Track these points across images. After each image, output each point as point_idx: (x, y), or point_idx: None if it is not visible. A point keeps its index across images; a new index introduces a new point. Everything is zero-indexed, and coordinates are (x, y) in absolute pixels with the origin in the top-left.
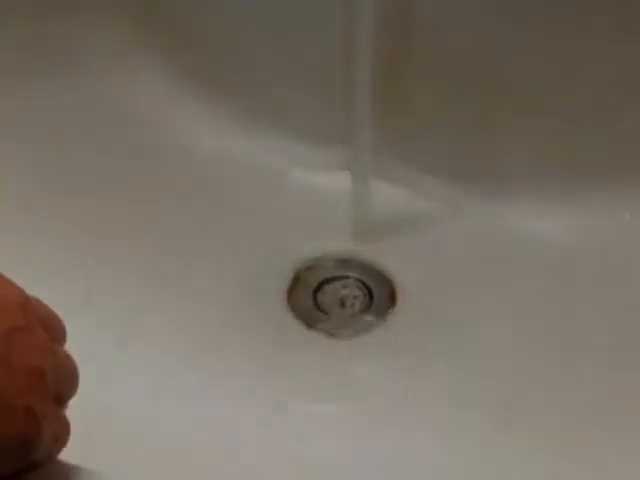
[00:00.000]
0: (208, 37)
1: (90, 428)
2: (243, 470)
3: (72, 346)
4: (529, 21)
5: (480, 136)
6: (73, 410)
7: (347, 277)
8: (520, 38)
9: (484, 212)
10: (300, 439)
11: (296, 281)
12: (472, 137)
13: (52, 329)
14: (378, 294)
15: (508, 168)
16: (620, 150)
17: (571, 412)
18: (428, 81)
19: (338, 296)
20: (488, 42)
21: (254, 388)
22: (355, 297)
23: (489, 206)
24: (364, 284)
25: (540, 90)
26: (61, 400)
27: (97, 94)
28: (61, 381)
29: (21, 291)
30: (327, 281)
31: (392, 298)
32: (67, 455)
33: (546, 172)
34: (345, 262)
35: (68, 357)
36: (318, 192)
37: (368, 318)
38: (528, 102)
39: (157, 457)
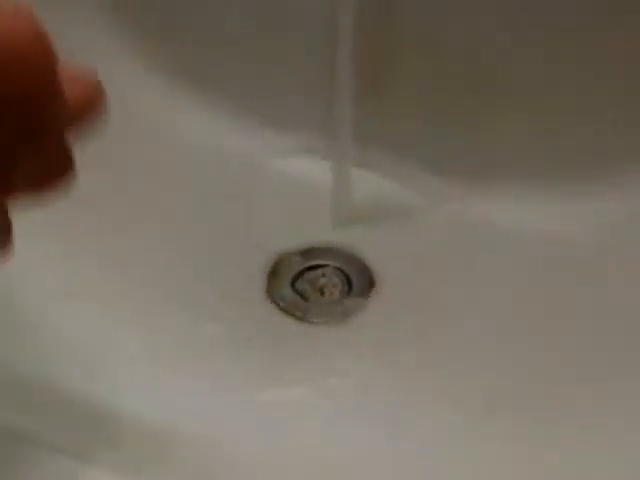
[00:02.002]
0: (189, 26)
1: None
2: (218, 455)
3: None
4: (514, 13)
5: (463, 125)
6: None
7: (326, 265)
8: (505, 30)
9: (465, 201)
10: (276, 425)
11: (275, 269)
12: (454, 126)
13: None
14: (357, 282)
15: (490, 158)
16: (603, 142)
17: (552, 397)
18: (411, 70)
19: (317, 284)
20: (472, 33)
21: (230, 375)
22: (334, 285)
23: (470, 195)
24: (343, 272)
25: (524, 81)
26: None
27: None
28: None
29: None
30: (306, 269)
31: (371, 286)
32: None
33: (529, 162)
34: (324, 250)
35: None
36: (298, 180)
37: (347, 306)
38: (512, 93)
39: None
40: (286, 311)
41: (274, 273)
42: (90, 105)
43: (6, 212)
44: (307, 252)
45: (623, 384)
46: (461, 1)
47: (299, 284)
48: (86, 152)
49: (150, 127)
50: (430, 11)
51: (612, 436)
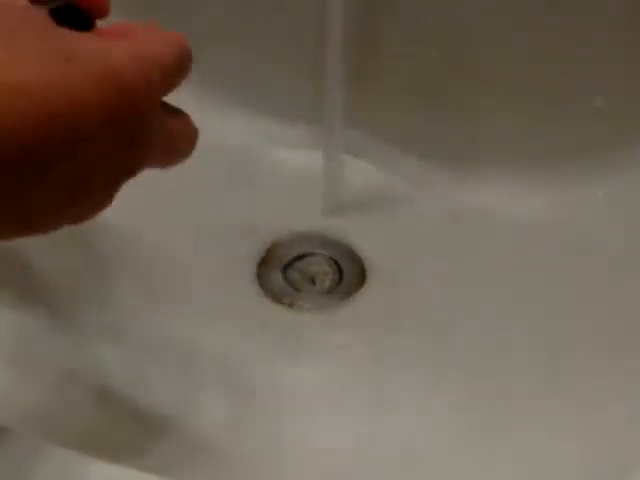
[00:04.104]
0: (179, 15)
1: None
2: (198, 439)
3: None
4: (502, 4)
5: (451, 114)
6: None
7: (317, 254)
8: (490, 16)
9: (455, 190)
10: (261, 411)
11: (266, 258)
12: (443, 115)
13: None
14: (348, 271)
15: (479, 146)
16: (591, 129)
17: (540, 382)
18: (400, 59)
19: (308, 273)
20: (459, 21)
21: (222, 362)
22: (325, 274)
23: (460, 183)
24: (334, 261)
25: (511, 69)
26: None
27: None
28: None
29: None
30: (297, 258)
31: (362, 275)
32: None
33: (516, 151)
34: (315, 239)
35: None
36: (289, 169)
37: (338, 295)
38: (499, 81)
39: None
40: (277, 299)
41: (265, 261)
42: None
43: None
44: (298, 240)
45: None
46: None
47: (290, 272)
48: None
49: None
50: (418, 4)
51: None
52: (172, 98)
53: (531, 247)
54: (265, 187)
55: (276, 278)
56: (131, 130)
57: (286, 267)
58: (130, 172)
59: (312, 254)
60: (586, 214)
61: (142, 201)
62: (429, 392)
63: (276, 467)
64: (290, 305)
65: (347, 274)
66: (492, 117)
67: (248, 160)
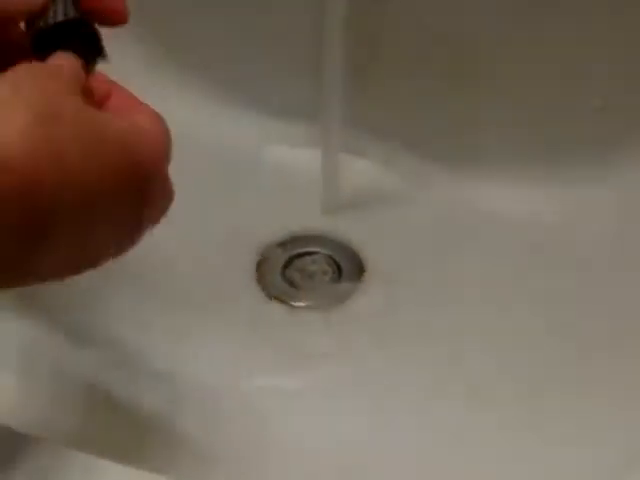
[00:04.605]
0: (177, 12)
1: None
2: (199, 440)
3: None
4: (502, 3)
5: (450, 112)
6: None
7: (316, 252)
8: (491, 16)
9: (453, 187)
10: (264, 410)
11: (265, 257)
12: (442, 113)
13: None
14: (347, 269)
15: (479, 145)
16: (589, 128)
17: (538, 381)
18: (400, 57)
19: (307, 271)
20: (460, 20)
21: (222, 360)
22: (324, 272)
23: (458, 181)
24: (333, 259)
25: (512, 69)
26: None
27: None
28: None
29: None
30: (296, 256)
31: (361, 272)
32: None
33: (515, 148)
34: (314, 238)
35: None
36: (287, 167)
37: (337, 293)
38: (499, 79)
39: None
40: (276, 298)
41: (264, 261)
42: None
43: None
44: (297, 239)
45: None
46: None
47: (289, 271)
48: None
49: None
50: (418, 1)
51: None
52: (169, 95)
53: (531, 246)
54: (264, 186)
55: (275, 277)
56: (136, 198)
57: (285, 266)
58: (134, 236)
59: (311, 253)
60: (587, 214)
61: None
62: (428, 393)
63: (275, 466)
64: (289, 304)
65: (346, 273)
66: (492, 116)
67: (246, 159)
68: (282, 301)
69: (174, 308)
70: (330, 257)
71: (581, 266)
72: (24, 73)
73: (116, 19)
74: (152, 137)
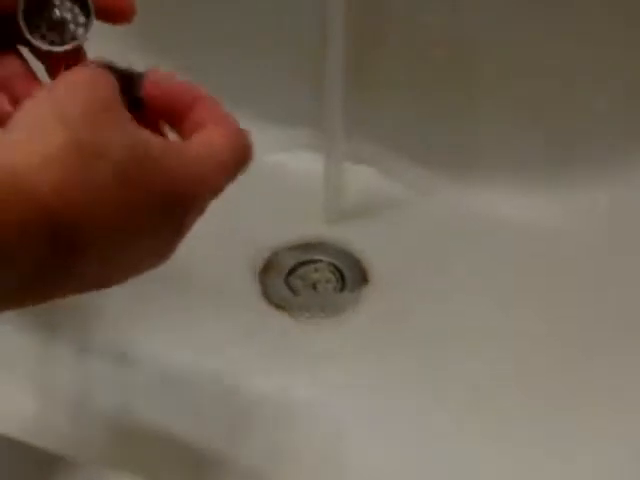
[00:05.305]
0: (177, 17)
1: None
2: (201, 447)
3: None
4: (503, 14)
5: (453, 120)
6: None
7: (319, 261)
8: (492, 22)
9: (454, 194)
10: (271, 419)
11: (268, 265)
12: (444, 120)
13: None
14: (350, 277)
15: (480, 152)
16: (591, 134)
17: (540, 390)
18: (401, 64)
19: (310, 280)
20: (461, 27)
21: (225, 369)
22: (327, 280)
23: (459, 188)
24: (336, 267)
25: (512, 75)
26: None
27: None
28: None
29: None
30: (299, 265)
31: (364, 281)
32: None
33: (516, 156)
34: (317, 246)
35: None
36: (290, 175)
37: (340, 300)
38: (499, 86)
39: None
40: (279, 306)
41: (267, 269)
42: None
43: None
44: (300, 247)
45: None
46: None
47: (292, 279)
48: None
49: None
50: (419, 8)
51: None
52: None
53: (533, 252)
54: (266, 193)
55: (278, 285)
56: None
57: (288, 274)
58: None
59: (314, 261)
60: (588, 219)
61: None
62: (430, 401)
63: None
64: (292, 312)
65: (349, 280)
66: (493, 123)
67: (250, 166)
68: (284, 309)
69: (176, 315)
70: (333, 265)
71: (582, 270)
72: (64, 89)
73: (122, 17)
74: (212, 162)
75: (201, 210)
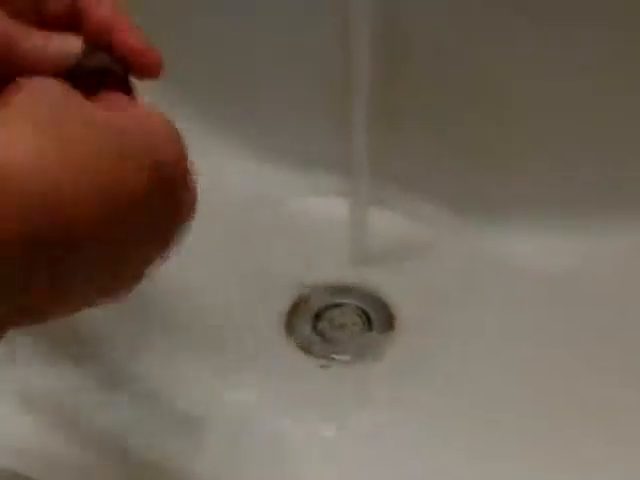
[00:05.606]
0: (204, 63)
1: None
2: None
3: None
4: (531, 49)
5: (478, 164)
6: None
7: (346, 304)
8: (520, 66)
9: (481, 238)
10: (292, 460)
11: (295, 308)
12: (470, 165)
13: None
14: (377, 320)
15: (507, 195)
16: (618, 180)
17: (563, 427)
18: (427, 109)
19: (337, 323)
20: (486, 69)
21: (253, 414)
22: (354, 323)
23: (485, 232)
24: (363, 311)
25: (539, 119)
26: None
27: None
28: None
29: None
30: (326, 308)
31: (390, 324)
32: None
33: (543, 200)
34: (343, 289)
35: None
36: (316, 219)
37: (366, 343)
38: (527, 130)
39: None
40: (306, 350)
41: (294, 312)
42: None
43: None
44: (326, 291)
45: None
46: (478, 44)
47: (319, 323)
48: None
49: None
50: (446, 53)
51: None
52: (198, 145)
53: (559, 298)
54: (291, 237)
55: (305, 328)
56: (165, 211)
57: (315, 317)
58: (163, 250)
59: (340, 304)
60: (615, 265)
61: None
62: (458, 445)
63: None
64: (319, 355)
65: (376, 324)
66: (521, 168)
67: (275, 209)
68: (312, 353)
69: (203, 359)
70: (359, 308)
71: (603, 316)
72: (21, 91)
73: (150, 72)
74: (168, 134)
75: (187, 186)
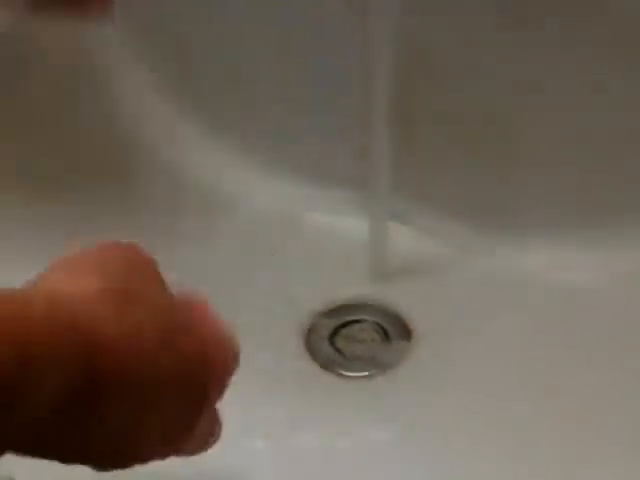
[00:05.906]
0: (224, 81)
1: None
2: None
3: None
4: (547, 71)
5: (497, 181)
6: None
7: (364, 320)
8: (538, 80)
9: (503, 255)
10: (318, 477)
11: (313, 325)
12: (489, 181)
13: None
14: (394, 337)
15: (524, 212)
16: (635, 193)
17: (581, 445)
18: (446, 124)
19: (355, 339)
20: (505, 84)
21: (273, 432)
22: (372, 340)
23: (504, 248)
24: (381, 327)
25: (557, 133)
26: None
27: None
28: None
29: None
30: (344, 324)
31: (408, 340)
32: None
33: (562, 216)
34: (362, 305)
35: None
36: (335, 235)
37: (384, 359)
38: (545, 146)
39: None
40: (324, 366)
41: (312, 328)
42: None
43: None
44: (344, 307)
45: None
46: (495, 64)
47: (337, 339)
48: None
49: (183, 181)
50: (464, 71)
51: None
52: (215, 161)
53: (575, 311)
54: (311, 253)
55: (324, 345)
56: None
57: (333, 334)
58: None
59: (359, 321)
60: (633, 278)
61: (190, 271)
62: (478, 458)
63: None
64: (339, 372)
65: (394, 339)
66: (540, 184)
67: (294, 227)
68: (331, 369)
69: None
70: (378, 324)
71: (627, 331)
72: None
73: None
74: (227, 346)
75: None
